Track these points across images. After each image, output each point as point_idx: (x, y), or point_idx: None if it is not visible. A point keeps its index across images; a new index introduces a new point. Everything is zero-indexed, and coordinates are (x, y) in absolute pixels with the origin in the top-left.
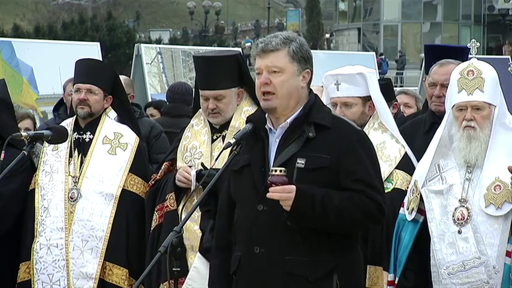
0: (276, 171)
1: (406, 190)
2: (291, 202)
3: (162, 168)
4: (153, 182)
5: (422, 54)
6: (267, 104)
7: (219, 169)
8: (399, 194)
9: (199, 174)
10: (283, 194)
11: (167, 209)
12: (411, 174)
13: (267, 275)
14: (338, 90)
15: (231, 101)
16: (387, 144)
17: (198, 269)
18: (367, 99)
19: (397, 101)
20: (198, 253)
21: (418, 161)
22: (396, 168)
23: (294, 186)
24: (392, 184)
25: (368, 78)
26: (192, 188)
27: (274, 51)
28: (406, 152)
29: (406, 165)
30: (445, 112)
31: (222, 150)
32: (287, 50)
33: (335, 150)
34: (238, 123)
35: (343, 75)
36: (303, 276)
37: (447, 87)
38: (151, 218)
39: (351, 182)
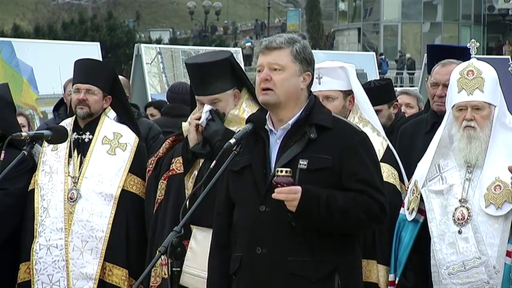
0: (281, 171)
1: (393, 183)
2: (297, 203)
3: (164, 144)
4: (154, 164)
5: (408, 55)
6: (265, 98)
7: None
8: (386, 187)
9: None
10: (290, 194)
11: (172, 173)
12: (395, 167)
13: (269, 276)
14: (320, 84)
15: (227, 103)
16: (369, 138)
17: (194, 249)
18: (348, 93)
19: (397, 101)
20: (193, 232)
21: (419, 161)
22: (381, 161)
23: (299, 187)
24: None
25: (349, 71)
26: (202, 119)
27: (277, 49)
28: (388, 145)
29: (389, 158)
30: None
31: (222, 151)
32: (290, 49)
33: (337, 151)
34: (238, 111)
35: (325, 68)
36: (305, 276)
37: None
38: (153, 205)
39: (353, 182)
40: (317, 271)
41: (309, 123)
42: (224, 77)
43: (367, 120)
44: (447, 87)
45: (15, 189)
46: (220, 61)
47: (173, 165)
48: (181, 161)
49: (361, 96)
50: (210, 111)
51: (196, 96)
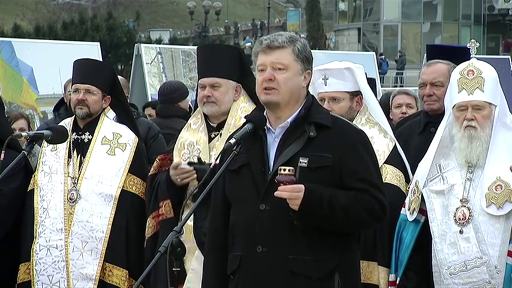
0: (284, 170)
1: (396, 185)
2: (300, 201)
3: (154, 164)
4: (149, 182)
5: (395, 56)
6: (268, 97)
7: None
8: (389, 189)
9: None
10: (293, 193)
11: (162, 217)
12: (400, 169)
13: (270, 274)
14: (326, 85)
15: (227, 92)
16: (375, 139)
17: (196, 270)
18: (355, 94)
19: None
20: (196, 254)
21: (414, 161)
22: (385, 162)
23: (302, 186)
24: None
25: (356, 72)
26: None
27: (280, 48)
28: (394, 147)
29: (395, 160)
30: (437, 110)
31: (222, 151)
32: (292, 48)
33: (337, 149)
34: (235, 119)
35: (331, 70)
36: (306, 275)
37: (437, 85)
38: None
39: (354, 181)
40: (318, 270)
41: (308, 121)
42: (231, 64)
43: (375, 121)
44: (434, 85)
45: (9, 190)
46: (231, 47)
47: (162, 209)
48: (170, 204)
49: (369, 97)
50: (189, 163)
51: (199, 81)
